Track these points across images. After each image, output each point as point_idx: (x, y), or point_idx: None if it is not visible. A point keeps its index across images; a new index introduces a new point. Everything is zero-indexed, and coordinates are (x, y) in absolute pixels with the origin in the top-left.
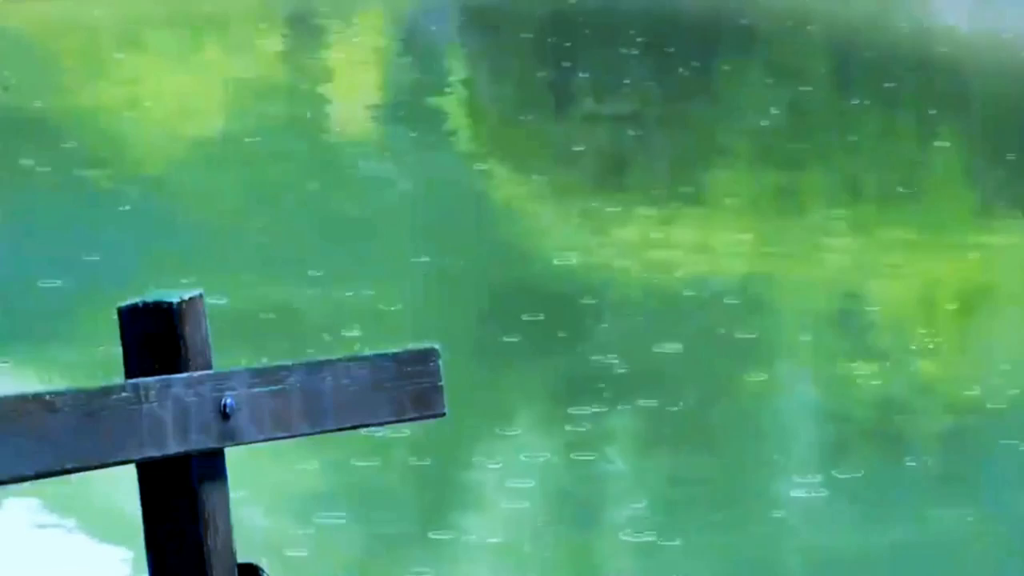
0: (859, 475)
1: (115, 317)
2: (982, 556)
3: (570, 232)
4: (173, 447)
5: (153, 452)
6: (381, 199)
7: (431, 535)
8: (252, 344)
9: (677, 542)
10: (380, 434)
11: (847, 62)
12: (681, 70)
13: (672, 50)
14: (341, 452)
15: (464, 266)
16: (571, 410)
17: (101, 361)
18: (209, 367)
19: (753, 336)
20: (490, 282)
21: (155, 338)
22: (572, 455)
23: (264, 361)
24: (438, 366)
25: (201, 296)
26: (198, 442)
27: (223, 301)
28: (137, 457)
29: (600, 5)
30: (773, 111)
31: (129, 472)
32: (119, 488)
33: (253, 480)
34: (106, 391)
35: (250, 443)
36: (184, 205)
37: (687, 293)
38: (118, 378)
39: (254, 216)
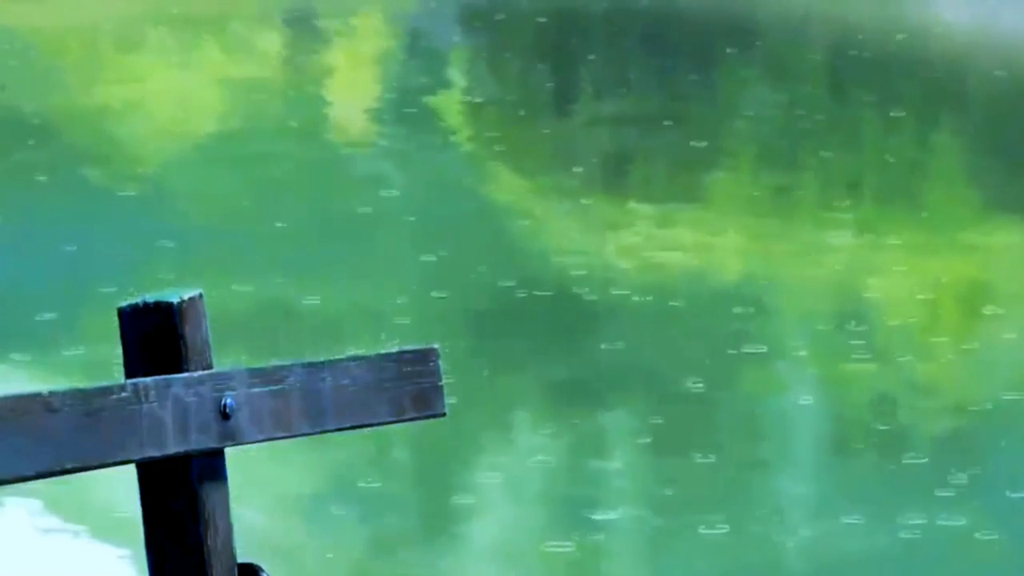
0: (859, 474)
1: (115, 317)
2: (982, 556)
3: (570, 232)
4: (173, 447)
5: (153, 452)
6: (381, 199)
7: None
8: (252, 344)
9: (676, 542)
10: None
11: (847, 62)
12: (681, 70)
13: (672, 50)
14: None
15: (464, 266)
16: (571, 409)
17: (101, 361)
18: (209, 367)
19: (753, 335)
20: (490, 281)
21: (155, 338)
22: (572, 454)
23: (264, 361)
24: (438, 366)
25: (201, 296)
26: (198, 442)
27: (223, 301)
28: (137, 457)
29: (601, 6)
30: (773, 111)
31: (129, 472)
32: (119, 488)
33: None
34: (106, 391)
35: (250, 443)
36: (184, 205)
37: (687, 292)
38: (118, 378)
39: (254, 216)
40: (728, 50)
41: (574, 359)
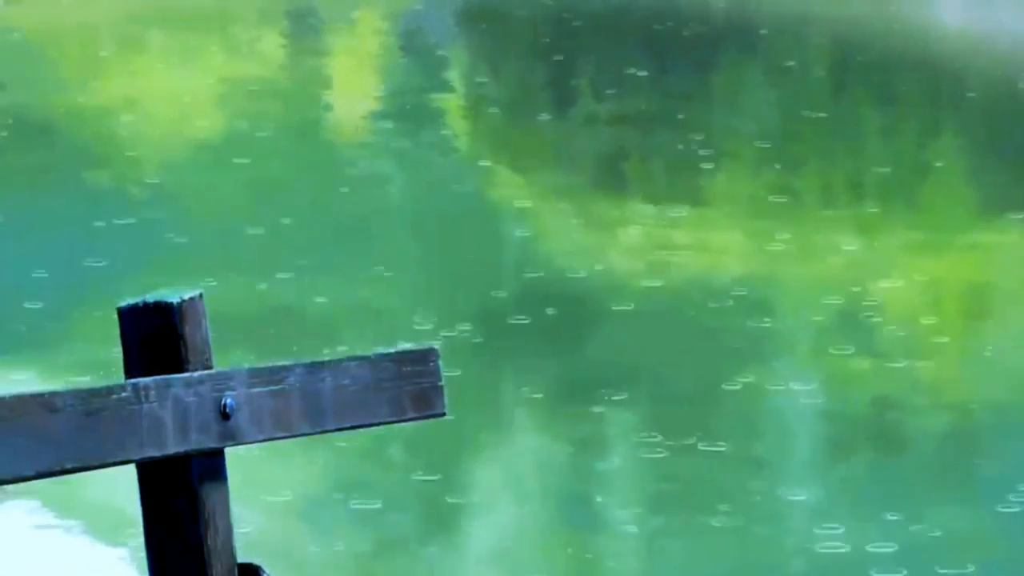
0: (859, 474)
1: (115, 317)
2: (980, 556)
3: (570, 232)
4: (173, 447)
5: (153, 452)
6: (381, 199)
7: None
8: (252, 344)
9: (675, 542)
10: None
11: (847, 62)
12: (681, 70)
13: (672, 50)
14: None
15: (464, 266)
16: (571, 410)
17: (101, 361)
18: (209, 367)
19: (753, 336)
20: (490, 282)
21: (155, 338)
22: (572, 455)
23: (264, 361)
24: (438, 366)
25: (201, 296)
26: (198, 442)
27: (223, 301)
28: (137, 457)
29: (600, 5)
30: (773, 111)
31: (129, 472)
32: (119, 488)
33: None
34: (106, 391)
35: (250, 443)
36: (184, 205)
37: (687, 293)
38: (118, 378)
39: (254, 216)
40: (728, 50)
41: (574, 358)
